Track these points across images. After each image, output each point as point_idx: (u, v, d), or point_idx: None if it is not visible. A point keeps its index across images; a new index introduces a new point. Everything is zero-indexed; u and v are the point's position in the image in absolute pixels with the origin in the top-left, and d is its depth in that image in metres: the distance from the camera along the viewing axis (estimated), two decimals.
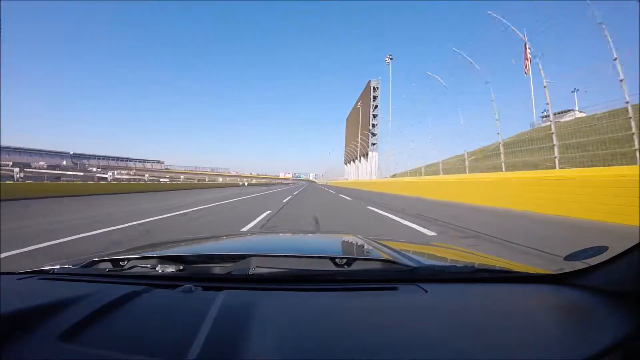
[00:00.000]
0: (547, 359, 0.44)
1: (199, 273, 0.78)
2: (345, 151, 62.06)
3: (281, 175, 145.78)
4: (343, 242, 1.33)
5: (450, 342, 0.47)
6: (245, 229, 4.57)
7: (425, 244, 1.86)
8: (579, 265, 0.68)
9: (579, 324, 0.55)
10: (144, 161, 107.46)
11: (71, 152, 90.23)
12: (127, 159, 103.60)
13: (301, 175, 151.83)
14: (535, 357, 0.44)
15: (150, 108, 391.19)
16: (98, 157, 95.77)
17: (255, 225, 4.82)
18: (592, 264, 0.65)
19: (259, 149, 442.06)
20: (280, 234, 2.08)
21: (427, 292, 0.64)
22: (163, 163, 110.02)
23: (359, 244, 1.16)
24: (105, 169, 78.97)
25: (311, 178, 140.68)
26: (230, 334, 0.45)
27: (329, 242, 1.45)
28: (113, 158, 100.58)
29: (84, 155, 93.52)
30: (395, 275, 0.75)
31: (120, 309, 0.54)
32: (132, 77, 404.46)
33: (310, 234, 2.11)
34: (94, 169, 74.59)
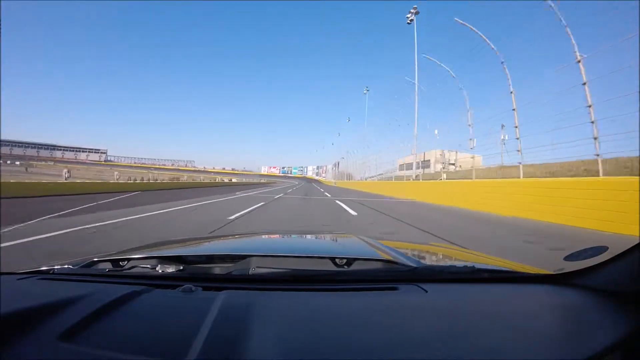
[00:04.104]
0: (547, 359, 0.44)
1: (199, 273, 0.79)
2: None
3: (263, 171, 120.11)
4: (343, 242, 1.35)
5: (451, 342, 0.47)
6: None
7: (425, 244, 1.88)
8: (579, 265, 0.68)
9: (579, 324, 0.56)
10: (77, 150, 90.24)
11: None
12: (53, 147, 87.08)
13: (294, 170, 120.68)
14: (535, 357, 0.44)
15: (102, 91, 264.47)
16: (11, 144, 79.74)
17: None
18: (592, 264, 0.65)
19: (247, 140, 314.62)
20: (280, 234, 2.07)
21: (427, 292, 0.64)
22: (105, 153, 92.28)
23: (359, 244, 1.17)
24: None
25: (309, 174, 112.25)
26: (230, 334, 0.46)
27: (329, 242, 1.44)
28: (33, 145, 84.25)
29: None
30: (396, 276, 0.75)
31: (120, 309, 0.54)
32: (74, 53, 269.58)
33: (310, 234, 2.02)
34: None
